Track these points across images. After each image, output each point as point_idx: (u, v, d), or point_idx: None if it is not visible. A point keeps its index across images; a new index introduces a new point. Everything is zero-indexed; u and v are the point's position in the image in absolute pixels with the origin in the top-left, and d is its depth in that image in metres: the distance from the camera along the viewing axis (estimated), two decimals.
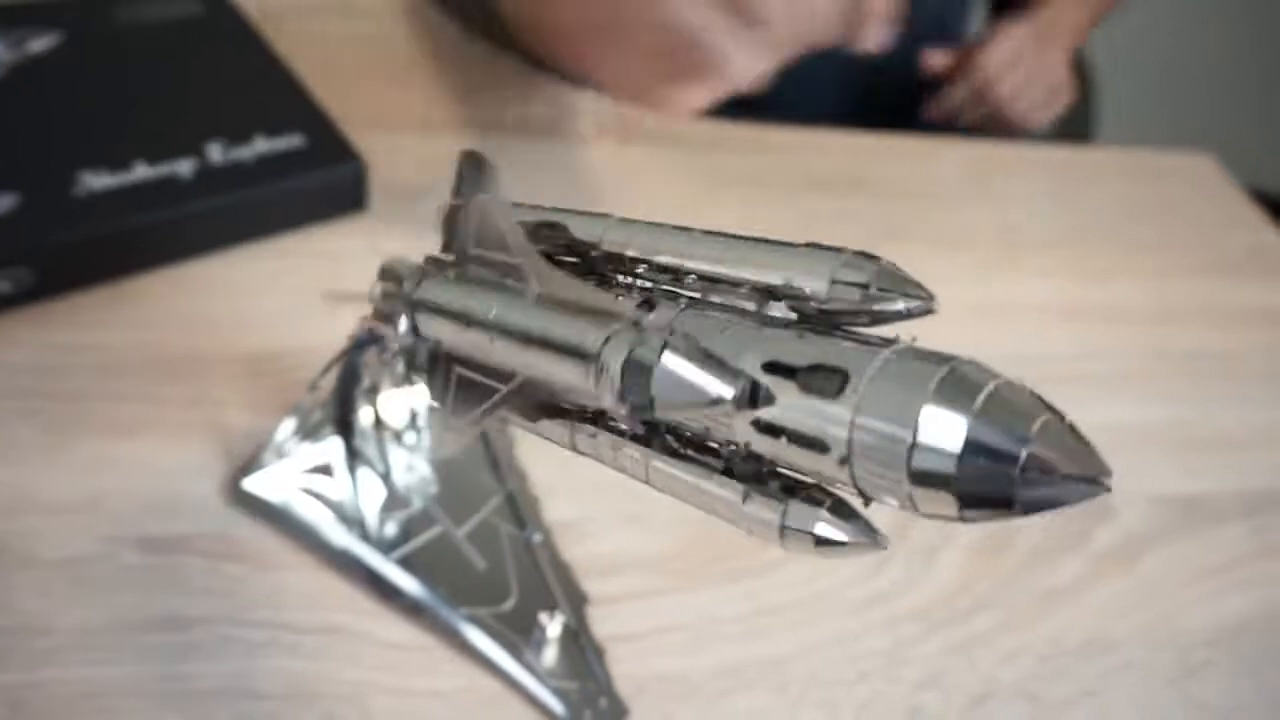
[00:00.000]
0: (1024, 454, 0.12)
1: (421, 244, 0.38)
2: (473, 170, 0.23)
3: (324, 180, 0.38)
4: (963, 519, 0.12)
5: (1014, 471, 0.12)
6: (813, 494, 0.15)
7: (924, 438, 0.12)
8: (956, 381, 0.12)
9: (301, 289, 0.36)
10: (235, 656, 0.26)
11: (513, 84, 0.49)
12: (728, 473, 0.16)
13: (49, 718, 0.24)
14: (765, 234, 0.17)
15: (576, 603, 0.29)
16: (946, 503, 0.12)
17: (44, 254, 0.32)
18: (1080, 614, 0.33)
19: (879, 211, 0.48)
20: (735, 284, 0.16)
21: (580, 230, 0.19)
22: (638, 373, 0.15)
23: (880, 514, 0.25)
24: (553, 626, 0.28)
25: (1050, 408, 0.13)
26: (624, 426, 0.17)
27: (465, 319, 0.20)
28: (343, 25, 0.49)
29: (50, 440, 0.30)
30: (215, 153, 0.36)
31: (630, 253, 0.18)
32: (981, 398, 0.12)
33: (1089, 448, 0.12)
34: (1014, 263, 0.47)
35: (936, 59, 0.62)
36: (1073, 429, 0.12)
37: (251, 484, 0.29)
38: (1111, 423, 0.40)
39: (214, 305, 0.35)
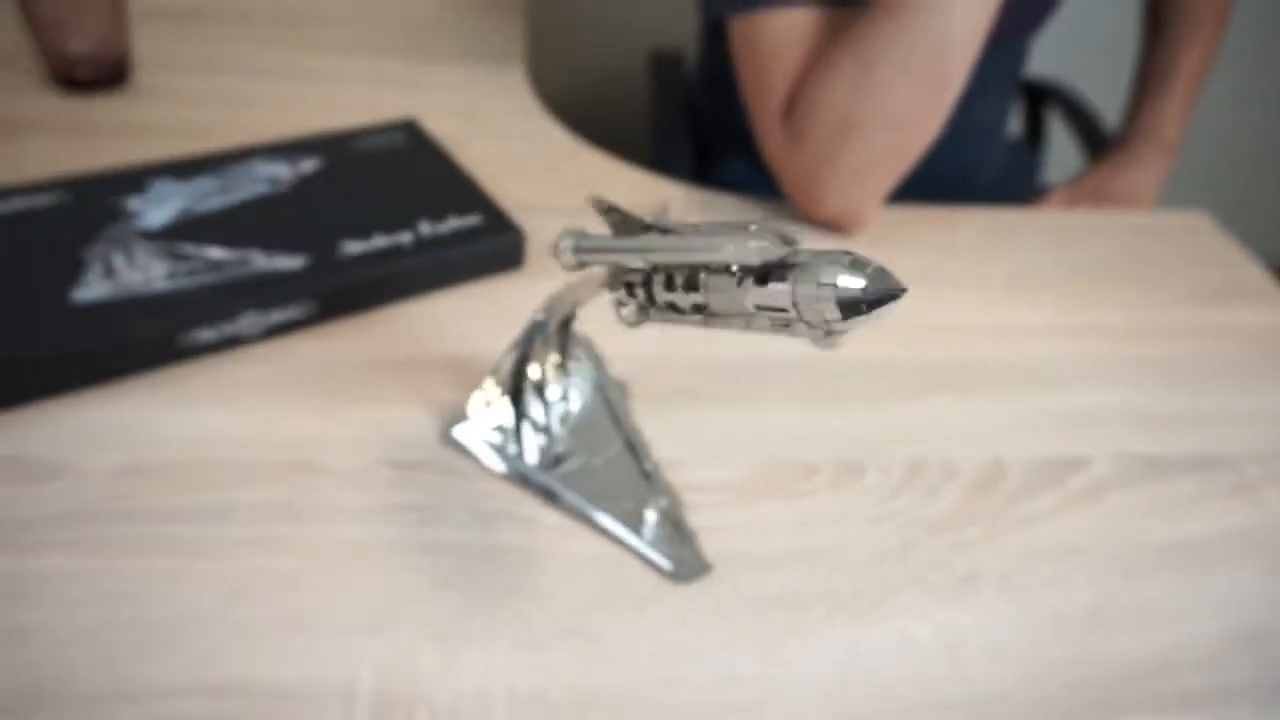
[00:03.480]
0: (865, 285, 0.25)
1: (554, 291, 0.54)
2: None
3: (495, 246, 0.54)
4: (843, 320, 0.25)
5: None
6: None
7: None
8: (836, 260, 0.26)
9: (481, 319, 0.52)
10: (453, 528, 0.40)
11: (610, 181, 0.66)
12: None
13: (345, 555, 0.39)
14: None
15: (675, 504, 0.42)
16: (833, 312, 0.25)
17: (324, 294, 0.49)
18: (1051, 530, 0.44)
19: (908, 262, 0.61)
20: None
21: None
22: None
23: (896, 457, 0.38)
24: (659, 515, 0.41)
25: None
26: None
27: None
28: (501, 145, 0.67)
29: (331, 405, 0.45)
30: (424, 228, 0.53)
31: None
32: (846, 262, 0.25)
33: (890, 277, 0.24)
34: (1016, 298, 0.59)
35: (1055, 200, 0.85)
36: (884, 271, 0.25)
37: (458, 432, 0.44)
38: (1091, 404, 0.51)
39: (424, 329, 0.51)
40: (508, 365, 0.45)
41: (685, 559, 0.40)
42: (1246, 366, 0.55)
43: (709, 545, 0.41)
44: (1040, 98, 1.05)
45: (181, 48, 0.72)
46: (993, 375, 0.52)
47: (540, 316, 0.42)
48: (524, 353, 0.44)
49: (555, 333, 0.44)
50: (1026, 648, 0.38)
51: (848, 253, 0.26)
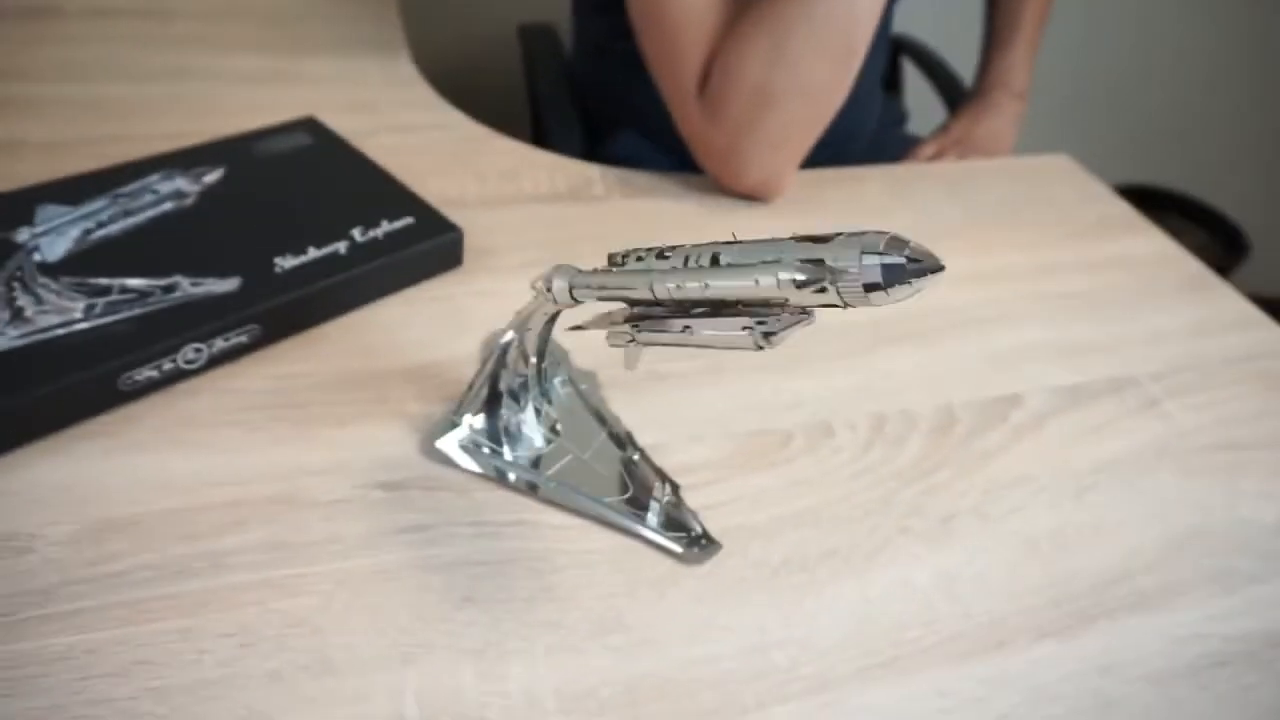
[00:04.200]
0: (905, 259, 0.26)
1: (504, 286, 0.54)
2: None
3: (434, 246, 0.52)
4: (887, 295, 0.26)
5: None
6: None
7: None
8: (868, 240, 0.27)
9: (431, 322, 0.51)
10: (460, 543, 0.40)
11: (528, 167, 0.65)
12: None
13: (355, 587, 0.37)
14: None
15: (672, 487, 0.43)
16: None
17: (265, 314, 0.46)
18: (1006, 463, 0.48)
19: (824, 221, 0.64)
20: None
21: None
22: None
23: (858, 415, 0.40)
24: (659, 500, 0.42)
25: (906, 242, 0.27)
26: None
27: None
28: (404, 138, 0.65)
29: (298, 432, 0.43)
30: (358, 235, 0.51)
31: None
32: (882, 245, 0.27)
33: (929, 254, 0.26)
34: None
35: (925, 152, 0.90)
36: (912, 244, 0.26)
37: (442, 443, 0.43)
38: (1013, 343, 0.56)
39: (375, 339, 0.49)
40: (484, 375, 0.44)
41: (694, 540, 0.41)
42: (1134, 293, 0.62)
43: (709, 522, 0.42)
44: (894, 51, 1.11)
45: (40, 51, 0.64)
46: (924, 326, 0.55)
47: (509, 337, 0.42)
48: (499, 362, 0.44)
49: (538, 337, 0.43)
50: (1009, 575, 0.42)
51: (883, 232, 0.27)
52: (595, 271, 0.34)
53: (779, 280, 0.28)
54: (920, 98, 1.10)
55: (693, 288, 0.30)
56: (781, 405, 0.49)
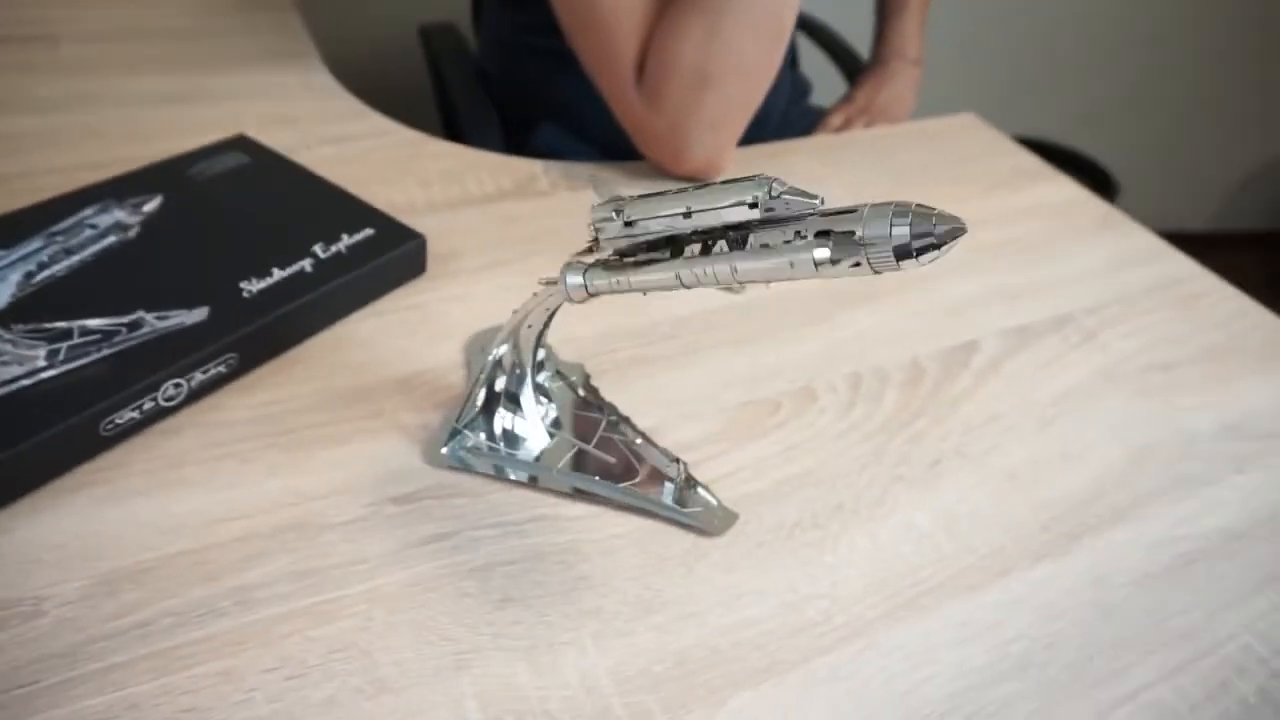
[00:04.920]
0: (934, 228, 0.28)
1: (470, 289, 0.54)
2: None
3: (399, 256, 0.52)
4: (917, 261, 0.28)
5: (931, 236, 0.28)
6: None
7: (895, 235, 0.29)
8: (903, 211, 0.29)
9: (407, 331, 0.50)
10: (486, 546, 0.40)
11: (470, 168, 0.64)
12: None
13: (391, 604, 0.37)
14: None
15: (680, 464, 0.44)
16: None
17: (240, 341, 0.44)
18: (975, 406, 0.51)
19: None
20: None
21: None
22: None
23: (836, 376, 0.42)
24: (670, 479, 0.43)
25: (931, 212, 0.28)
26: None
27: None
28: (338, 149, 0.63)
29: (294, 458, 0.42)
30: (320, 251, 0.50)
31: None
32: (910, 214, 0.29)
33: (953, 219, 0.28)
34: None
35: (834, 121, 0.93)
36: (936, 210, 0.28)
37: (446, 451, 0.43)
38: (960, 294, 0.59)
39: (354, 355, 0.48)
40: (482, 379, 0.44)
41: (711, 513, 0.42)
42: (1056, 236, 0.66)
43: (719, 494, 0.43)
44: None
45: None
46: (876, 287, 0.58)
47: (504, 338, 0.42)
48: (496, 364, 0.44)
49: (538, 335, 0.43)
50: (998, 507, 0.45)
51: (907, 202, 0.29)
52: (615, 264, 0.35)
53: (815, 259, 0.29)
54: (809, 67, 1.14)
55: (722, 272, 0.31)
56: (763, 376, 0.51)
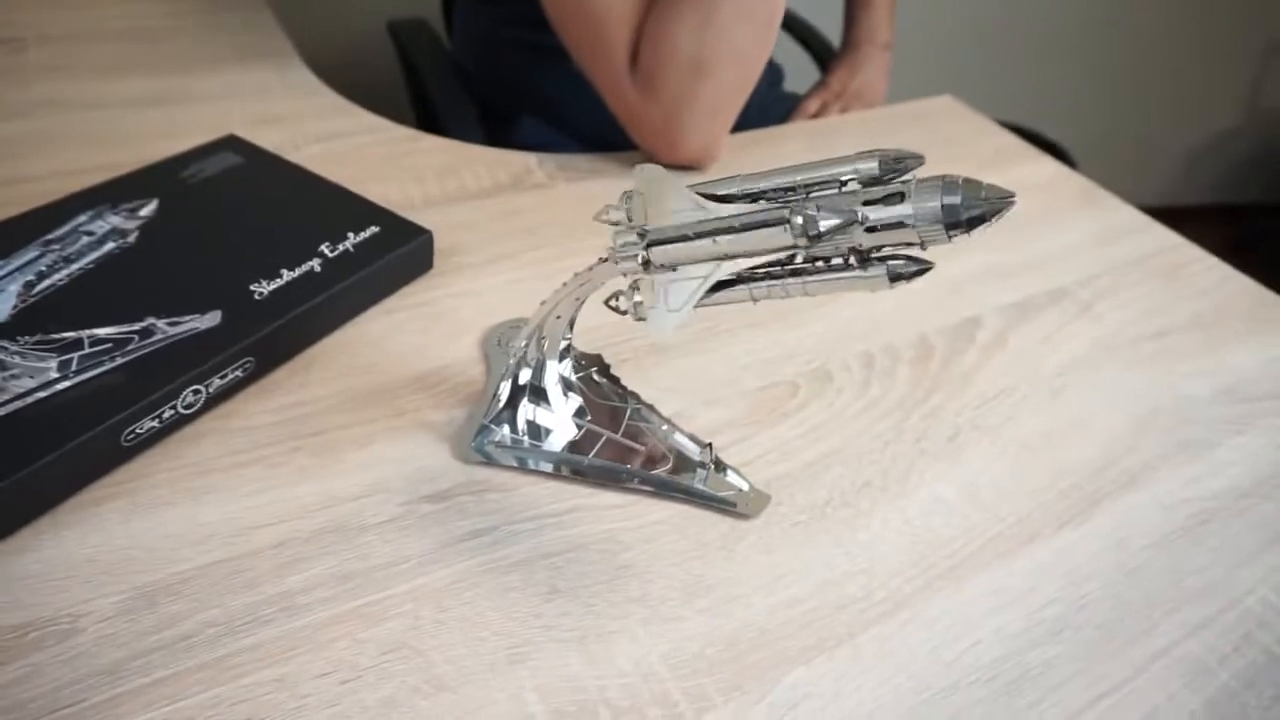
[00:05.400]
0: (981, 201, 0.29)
1: (479, 283, 0.53)
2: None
3: (407, 252, 0.51)
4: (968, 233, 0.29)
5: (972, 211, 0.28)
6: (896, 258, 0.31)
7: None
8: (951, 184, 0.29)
9: (418, 330, 0.49)
10: (525, 539, 0.39)
11: (464, 163, 0.64)
12: (850, 267, 0.31)
13: (438, 601, 0.37)
14: None
15: (709, 449, 0.44)
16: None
17: (258, 345, 0.43)
18: (986, 379, 0.52)
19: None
20: (826, 181, 0.32)
21: (719, 188, 0.35)
22: (814, 223, 0.30)
23: (849, 356, 0.42)
24: (701, 464, 0.43)
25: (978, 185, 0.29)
26: (778, 270, 0.33)
27: (690, 232, 0.32)
28: (327, 146, 0.62)
29: (322, 461, 0.41)
30: (327, 250, 0.49)
31: (761, 187, 0.34)
32: (960, 188, 0.29)
33: (1002, 191, 0.29)
34: None
35: (810, 107, 0.94)
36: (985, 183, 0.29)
37: (476, 445, 0.43)
38: (958, 271, 0.60)
39: (368, 354, 0.47)
40: (507, 371, 0.43)
41: (744, 496, 0.42)
42: (1042, 213, 0.67)
43: (750, 477, 0.44)
44: None
45: None
46: None
47: (520, 352, 0.41)
48: (521, 357, 0.43)
49: (566, 325, 0.42)
50: (1019, 476, 0.46)
51: (954, 175, 0.29)
52: (674, 243, 0.33)
53: (889, 274, 0.30)
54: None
55: (793, 288, 0.31)
56: (778, 359, 0.51)
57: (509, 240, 0.57)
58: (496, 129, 0.87)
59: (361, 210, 0.52)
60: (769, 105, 0.96)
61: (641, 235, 0.34)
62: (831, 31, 1.08)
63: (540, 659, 0.35)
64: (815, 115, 0.95)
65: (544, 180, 0.63)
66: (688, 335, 0.52)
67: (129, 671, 0.33)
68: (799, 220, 0.30)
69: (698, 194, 0.33)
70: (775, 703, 0.35)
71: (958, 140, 0.75)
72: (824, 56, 1.05)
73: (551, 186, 0.62)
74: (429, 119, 0.90)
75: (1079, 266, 0.62)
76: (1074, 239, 0.65)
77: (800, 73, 1.06)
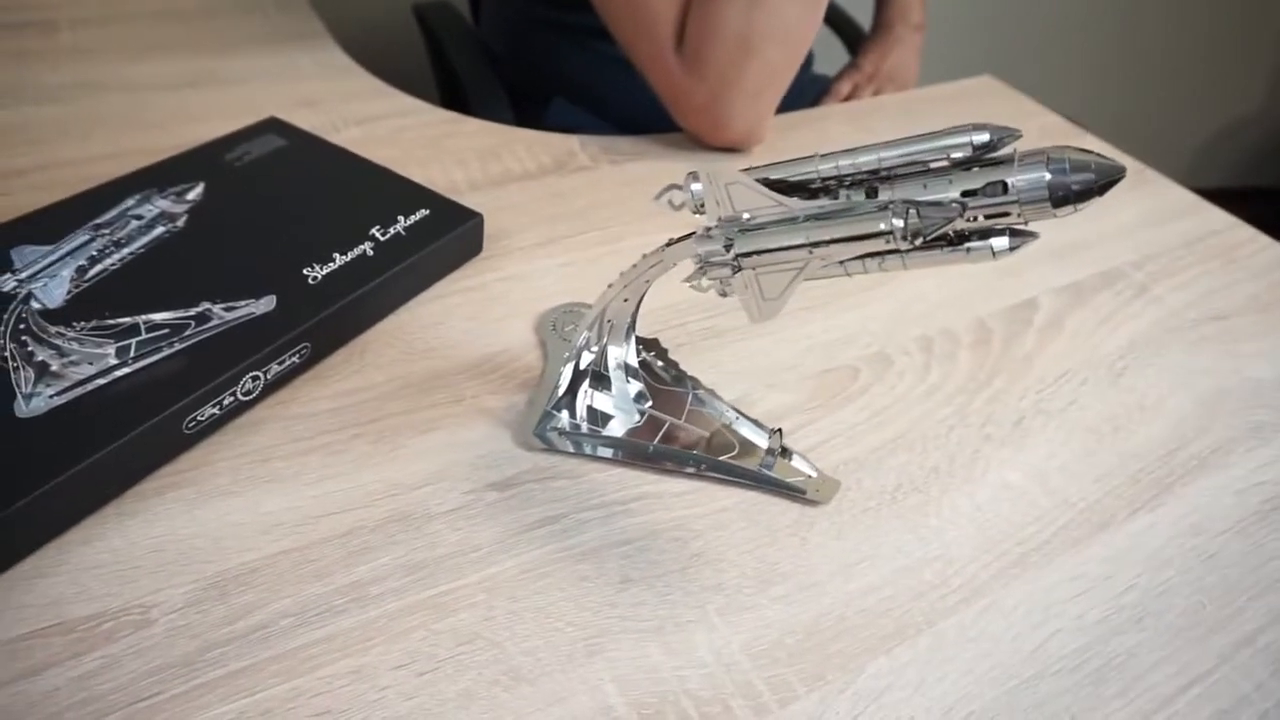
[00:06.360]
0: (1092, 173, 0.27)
1: (529, 266, 0.52)
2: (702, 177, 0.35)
3: (458, 236, 0.50)
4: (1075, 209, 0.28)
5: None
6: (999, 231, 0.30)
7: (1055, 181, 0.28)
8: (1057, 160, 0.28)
9: (471, 314, 0.48)
10: (595, 527, 0.39)
11: (505, 146, 0.63)
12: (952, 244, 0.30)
13: (510, 591, 0.36)
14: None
15: (775, 434, 0.43)
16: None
17: (314, 330, 0.43)
18: (1047, 362, 0.51)
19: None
20: (913, 161, 0.31)
21: (795, 171, 0.34)
22: (917, 216, 0.29)
23: (907, 340, 0.40)
24: (768, 449, 0.42)
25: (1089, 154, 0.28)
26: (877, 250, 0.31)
27: (779, 224, 0.31)
28: (367, 129, 0.61)
29: (383, 448, 0.41)
30: (379, 234, 0.48)
31: (842, 169, 0.33)
32: (1067, 162, 0.28)
33: (1111, 162, 0.28)
34: None
35: (843, 89, 0.93)
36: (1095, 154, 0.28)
37: (540, 431, 0.42)
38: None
39: (422, 339, 0.47)
40: (571, 357, 0.42)
41: (813, 481, 0.42)
42: None
43: (817, 463, 0.43)
44: None
45: None
46: None
47: (585, 337, 0.41)
48: (585, 343, 0.42)
49: (633, 312, 0.41)
50: (1085, 461, 0.45)
51: (1061, 147, 0.28)
52: (757, 229, 0.32)
53: (994, 249, 0.29)
54: None
55: (891, 264, 0.30)
56: (837, 342, 0.50)
57: (556, 224, 0.56)
58: (526, 112, 0.85)
59: (410, 193, 0.51)
60: (802, 88, 0.95)
61: (728, 246, 0.33)
62: (858, 12, 1.06)
63: (617, 650, 0.34)
64: (847, 98, 0.94)
65: (588, 163, 0.62)
66: (742, 319, 0.51)
67: (204, 663, 0.32)
68: (899, 223, 0.28)
69: (768, 186, 0.32)
70: (860, 693, 0.34)
71: (1001, 120, 0.73)
72: (852, 39, 1.04)
73: (596, 169, 0.61)
74: (457, 103, 0.89)
75: (1131, 247, 0.61)
76: (1125, 219, 0.64)
77: (827, 56, 1.05)
